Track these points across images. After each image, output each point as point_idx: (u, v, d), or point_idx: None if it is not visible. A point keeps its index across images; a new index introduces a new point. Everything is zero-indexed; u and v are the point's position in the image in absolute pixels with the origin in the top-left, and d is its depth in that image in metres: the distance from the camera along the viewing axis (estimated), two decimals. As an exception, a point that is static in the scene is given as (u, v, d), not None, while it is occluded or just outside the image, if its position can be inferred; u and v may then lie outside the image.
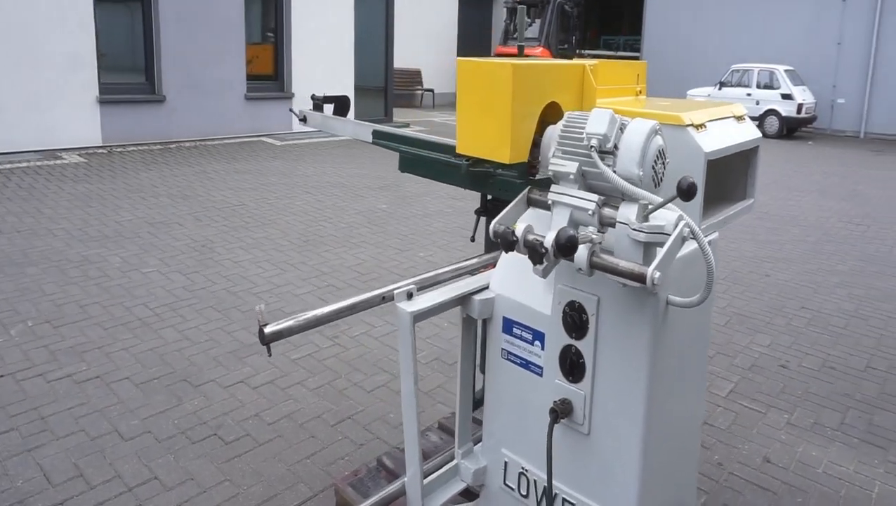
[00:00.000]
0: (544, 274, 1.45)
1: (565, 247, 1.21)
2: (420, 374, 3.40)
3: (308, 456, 2.68)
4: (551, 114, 1.59)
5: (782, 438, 3.04)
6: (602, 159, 1.41)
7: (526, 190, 1.57)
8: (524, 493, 1.82)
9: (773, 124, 14.63)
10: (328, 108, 2.73)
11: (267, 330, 1.47)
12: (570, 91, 1.63)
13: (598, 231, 1.44)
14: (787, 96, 14.38)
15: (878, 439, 3.07)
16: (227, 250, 5.12)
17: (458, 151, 1.67)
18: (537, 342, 1.70)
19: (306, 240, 5.49)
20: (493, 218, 2.19)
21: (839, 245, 6.23)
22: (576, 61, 1.69)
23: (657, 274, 1.26)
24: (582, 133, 1.44)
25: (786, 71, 14.46)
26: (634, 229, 1.33)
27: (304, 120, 2.73)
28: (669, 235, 1.32)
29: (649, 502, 1.63)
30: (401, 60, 14.41)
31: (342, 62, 11.40)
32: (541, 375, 1.71)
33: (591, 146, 1.40)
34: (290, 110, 2.84)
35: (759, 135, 1.86)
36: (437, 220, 6.34)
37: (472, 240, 2.33)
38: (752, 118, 14.75)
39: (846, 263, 5.66)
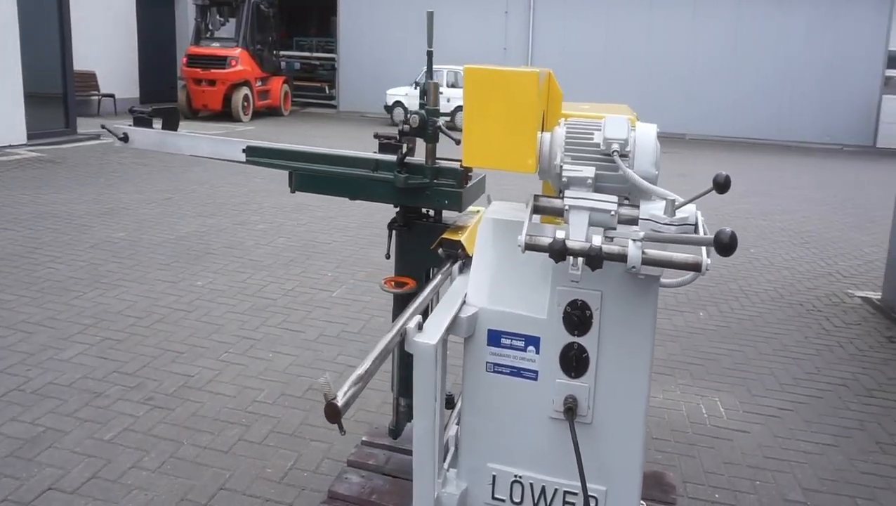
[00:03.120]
0: (581, 277, 1.44)
1: (729, 246, 1.22)
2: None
3: (196, 551, 2.18)
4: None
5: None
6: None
7: (532, 199, 1.52)
8: (517, 500, 1.79)
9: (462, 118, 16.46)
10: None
11: (340, 403, 1.16)
12: (544, 97, 1.63)
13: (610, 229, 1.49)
14: (472, 94, 16.31)
15: (664, 368, 3.78)
16: (-77, 321, 3.76)
17: (465, 163, 1.54)
18: (531, 348, 1.69)
19: (40, 289, 4.35)
20: (413, 231, 2.08)
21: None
22: (537, 68, 1.68)
23: (708, 261, 1.36)
24: (591, 138, 1.46)
25: (469, 72, 16.37)
26: (665, 224, 1.41)
27: (124, 139, 2.16)
28: (693, 225, 1.43)
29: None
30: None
31: (6, 63, 9.18)
32: (535, 379, 1.70)
33: (614, 150, 1.43)
34: (103, 127, 2.20)
35: None
36: (194, 242, 5.63)
37: (388, 257, 2.15)
38: (445, 114, 16.43)
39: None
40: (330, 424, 1.17)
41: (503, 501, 1.80)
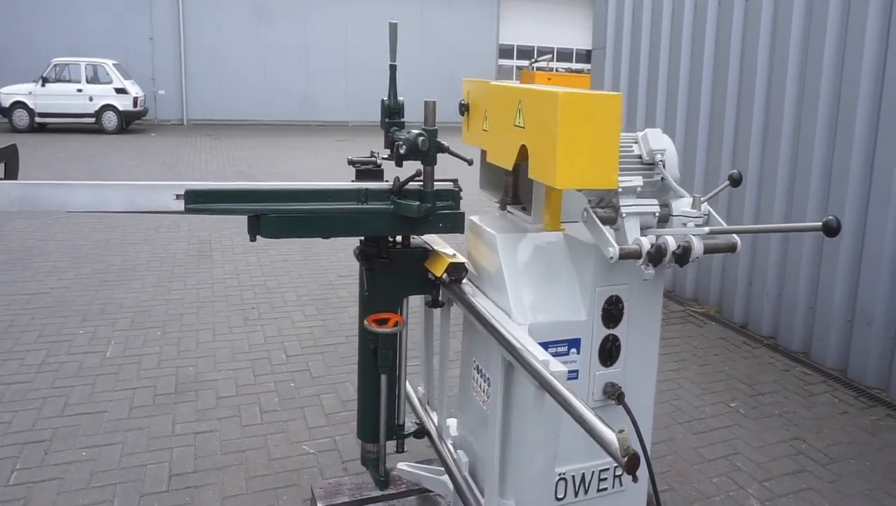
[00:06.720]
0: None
1: (837, 230, 1.42)
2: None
3: None
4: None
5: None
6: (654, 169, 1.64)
7: (593, 214, 1.57)
8: (560, 496, 1.89)
9: (111, 120, 14.28)
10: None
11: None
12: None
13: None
14: (121, 91, 14.19)
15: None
16: None
17: (558, 186, 1.46)
18: (573, 350, 1.79)
19: None
20: (392, 261, 1.87)
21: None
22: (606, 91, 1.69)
23: (739, 242, 1.65)
24: (631, 150, 1.63)
25: (114, 65, 14.16)
26: (696, 217, 1.63)
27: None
28: (706, 215, 1.69)
29: None
30: None
31: None
32: (577, 377, 1.80)
33: (660, 161, 1.59)
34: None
35: None
36: None
37: (366, 294, 1.89)
38: (88, 115, 14.02)
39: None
40: (627, 474, 1.07)
41: None
